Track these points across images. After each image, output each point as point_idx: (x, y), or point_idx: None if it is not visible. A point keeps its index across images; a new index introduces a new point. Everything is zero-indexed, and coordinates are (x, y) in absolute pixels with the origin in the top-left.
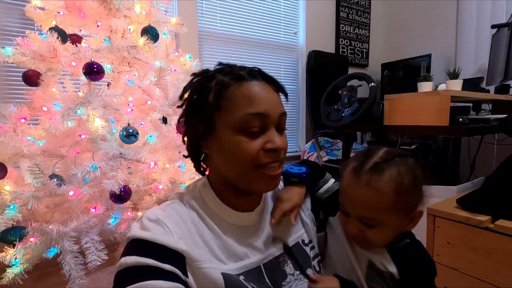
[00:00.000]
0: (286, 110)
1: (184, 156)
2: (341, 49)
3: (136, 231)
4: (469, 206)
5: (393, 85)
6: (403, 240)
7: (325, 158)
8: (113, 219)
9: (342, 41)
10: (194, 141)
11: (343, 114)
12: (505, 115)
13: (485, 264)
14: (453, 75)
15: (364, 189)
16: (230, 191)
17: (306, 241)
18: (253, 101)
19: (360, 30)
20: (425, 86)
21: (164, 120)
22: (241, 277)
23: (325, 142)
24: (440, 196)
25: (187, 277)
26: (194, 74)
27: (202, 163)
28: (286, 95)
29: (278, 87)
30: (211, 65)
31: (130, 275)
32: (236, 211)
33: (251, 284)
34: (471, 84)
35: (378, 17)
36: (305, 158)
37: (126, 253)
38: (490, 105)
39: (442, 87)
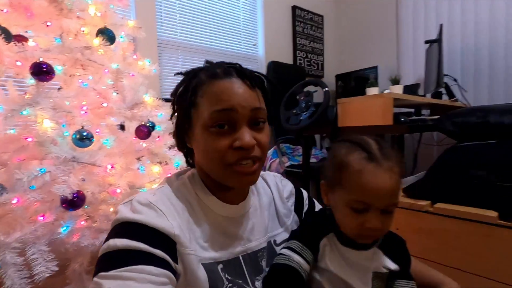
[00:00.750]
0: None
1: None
2: (298, 61)
3: (127, 214)
4: (412, 194)
5: (346, 94)
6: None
7: (287, 164)
8: (64, 228)
9: (299, 53)
10: (179, 136)
11: (301, 118)
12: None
13: (427, 243)
14: (395, 81)
15: (388, 175)
16: (214, 183)
17: (278, 242)
18: (220, 98)
19: (315, 43)
20: (372, 91)
21: (122, 127)
22: (220, 266)
23: (286, 148)
24: None
25: (177, 263)
26: (186, 73)
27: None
28: (265, 91)
29: (255, 83)
30: (171, 73)
31: (120, 258)
32: (222, 202)
33: (227, 276)
34: (410, 90)
35: (330, 32)
36: (268, 164)
37: (115, 235)
38: (429, 111)
39: (386, 91)
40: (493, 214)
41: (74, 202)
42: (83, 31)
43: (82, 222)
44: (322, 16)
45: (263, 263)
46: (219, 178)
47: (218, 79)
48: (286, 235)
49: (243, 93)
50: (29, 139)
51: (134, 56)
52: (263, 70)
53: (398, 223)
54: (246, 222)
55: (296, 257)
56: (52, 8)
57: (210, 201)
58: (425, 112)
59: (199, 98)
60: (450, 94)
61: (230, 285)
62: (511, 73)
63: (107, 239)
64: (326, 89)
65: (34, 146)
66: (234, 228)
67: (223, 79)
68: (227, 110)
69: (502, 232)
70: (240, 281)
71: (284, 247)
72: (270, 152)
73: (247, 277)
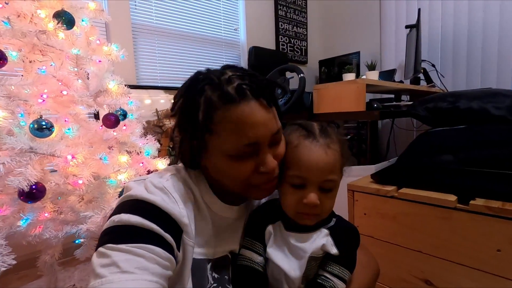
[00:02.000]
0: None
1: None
2: (281, 46)
3: (142, 192)
4: (380, 179)
5: (329, 80)
6: (332, 218)
7: None
8: (24, 221)
9: (281, 39)
10: (188, 153)
11: None
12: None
13: (391, 228)
14: (371, 67)
15: (325, 151)
16: (222, 188)
17: None
18: (244, 130)
19: (298, 28)
20: (348, 77)
21: (96, 116)
22: (210, 264)
23: None
24: (361, 175)
25: (179, 251)
26: (187, 86)
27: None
28: (278, 108)
29: (271, 99)
30: (147, 59)
31: (132, 234)
32: (222, 201)
33: (214, 274)
34: (386, 75)
35: (314, 16)
36: None
37: (128, 210)
38: (408, 97)
39: (363, 77)
40: (452, 198)
41: (32, 194)
42: (39, 14)
43: (46, 214)
44: (305, 0)
45: None
46: (238, 192)
47: (234, 104)
48: None
49: (264, 121)
50: None
51: (98, 41)
52: (245, 55)
53: (366, 208)
54: (241, 224)
55: (247, 253)
56: None
57: (211, 200)
58: (405, 98)
59: (215, 125)
60: (429, 80)
61: (215, 285)
62: (488, 59)
63: (117, 212)
64: (302, 75)
65: None
66: (230, 228)
67: (240, 103)
68: (252, 144)
69: (460, 215)
70: (226, 277)
71: (241, 245)
72: None
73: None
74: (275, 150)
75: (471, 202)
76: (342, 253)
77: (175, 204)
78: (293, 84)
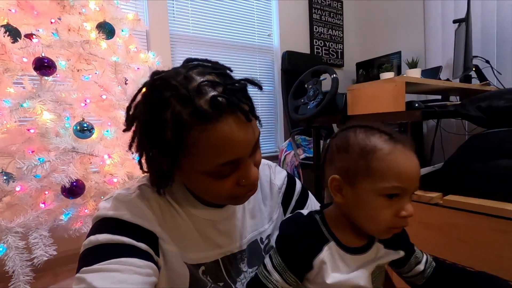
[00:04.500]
0: (262, 113)
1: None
2: (315, 50)
3: (108, 211)
4: (423, 185)
5: None
6: None
7: (302, 156)
8: (65, 215)
9: (316, 42)
10: (157, 172)
11: (309, 107)
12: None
13: (437, 239)
14: (412, 65)
15: (414, 156)
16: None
17: (265, 238)
18: (223, 151)
19: (333, 31)
20: (386, 76)
21: None
22: (202, 268)
23: (302, 140)
24: None
25: (158, 256)
26: (148, 93)
27: None
28: (257, 118)
29: (250, 112)
30: None
31: (102, 252)
32: (203, 204)
33: (208, 278)
34: (430, 73)
35: (350, 18)
36: (283, 157)
37: (96, 231)
38: (458, 98)
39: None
40: (511, 207)
41: (73, 190)
42: (85, 26)
43: (86, 211)
44: (341, 2)
45: (242, 265)
46: (215, 202)
47: (209, 124)
48: (273, 231)
49: (245, 137)
50: (32, 131)
51: (135, 49)
52: (278, 60)
53: None
54: (228, 225)
55: (276, 277)
56: (55, 5)
57: (190, 203)
58: (454, 100)
59: (189, 147)
60: (482, 78)
61: (214, 285)
62: None
63: (88, 235)
64: (334, 75)
65: (37, 137)
66: (215, 231)
67: (217, 122)
68: (233, 161)
69: None
70: (221, 283)
71: (268, 257)
72: (285, 144)
73: (227, 279)
74: (254, 158)
75: None
76: (407, 250)
77: (143, 215)
78: (326, 86)
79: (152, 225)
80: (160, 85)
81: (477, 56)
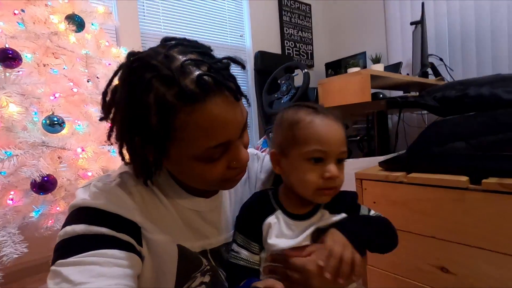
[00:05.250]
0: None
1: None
2: (287, 51)
3: (85, 200)
4: (389, 166)
5: None
6: None
7: None
8: (36, 212)
9: (287, 43)
10: (142, 162)
11: (282, 101)
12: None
13: (403, 214)
14: (376, 60)
15: (337, 124)
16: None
17: None
18: (213, 133)
19: (303, 33)
20: (352, 71)
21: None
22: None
23: None
24: (368, 166)
25: (141, 246)
26: (126, 75)
27: None
28: (245, 97)
29: (238, 91)
30: None
31: (79, 244)
32: (189, 194)
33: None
34: (392, 68)
35: (318, 20)
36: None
37: (72, 221)
38: (417, 92)
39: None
40: (464, 178)
41: (44, 185)
42: (52, 19)
43: (58, 208)
44: (309, 5)
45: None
46: (208, 189)
47: (197, 103)
48: None
49: (235, 117)
50: None
51: (106, 43)
52: (251, 61)
53: (375, 196)
54: (213, 216)
55: (244, 253)
56: None
57: (175, 193)
58: (414, 94)
59: (177, 132)
60: (437, 74)
61: (209, 267)
62: (498, 50)
63: (64, 225)
64: (306, 70)
65: (2, 131)
66: (200, 222)
67: (205, 102)
68: (223, 144)
69: (473, 195)
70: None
71: (233, 240)
72: (260, 141)
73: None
74: (243, 140)
75: (484, 181)
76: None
77: (123, 204)
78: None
79: (133, 215)
80: (139, 66)
81: (432, 55)
